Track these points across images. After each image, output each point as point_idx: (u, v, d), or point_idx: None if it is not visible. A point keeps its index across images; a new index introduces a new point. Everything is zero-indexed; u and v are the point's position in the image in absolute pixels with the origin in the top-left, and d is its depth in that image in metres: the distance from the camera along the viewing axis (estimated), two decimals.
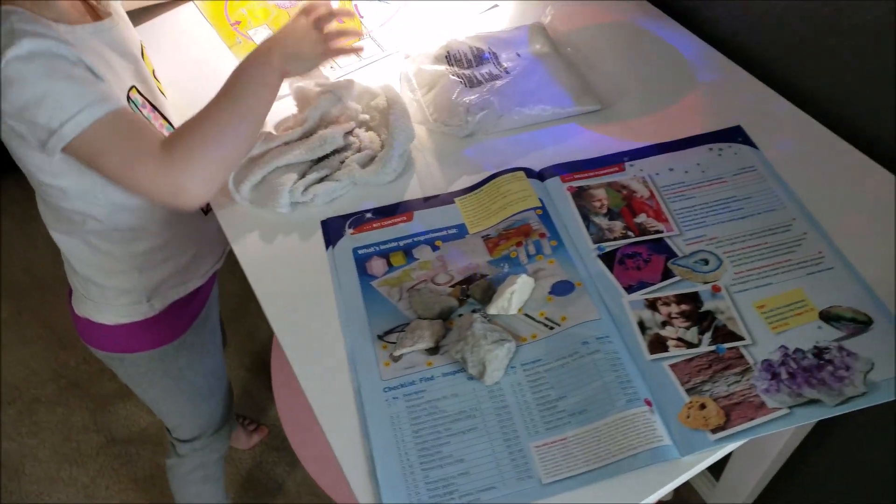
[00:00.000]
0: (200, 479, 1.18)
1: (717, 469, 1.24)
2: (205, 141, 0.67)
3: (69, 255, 0.88)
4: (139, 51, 0.83)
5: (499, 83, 0.83)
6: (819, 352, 0.64)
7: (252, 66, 0.73)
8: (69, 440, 1.60)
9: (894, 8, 0.71)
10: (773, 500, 1.14)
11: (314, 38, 0.76)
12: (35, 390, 1.69)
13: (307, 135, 0.80)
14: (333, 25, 0.78)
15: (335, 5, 0.98)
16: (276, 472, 1.53)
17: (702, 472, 1.34)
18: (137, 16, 1.00)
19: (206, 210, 0.90)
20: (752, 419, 0.60)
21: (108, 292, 0.88)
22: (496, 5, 0.99)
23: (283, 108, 0.86)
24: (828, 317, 0.66)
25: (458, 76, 0.85)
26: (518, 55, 0.87)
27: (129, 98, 0.77)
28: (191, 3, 1.04)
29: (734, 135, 0.81)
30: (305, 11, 0.77)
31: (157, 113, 0.83)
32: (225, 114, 0.69)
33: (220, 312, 1.14)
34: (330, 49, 0.77)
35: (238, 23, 1.01)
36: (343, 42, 0.79)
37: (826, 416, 0.60)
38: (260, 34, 0.99)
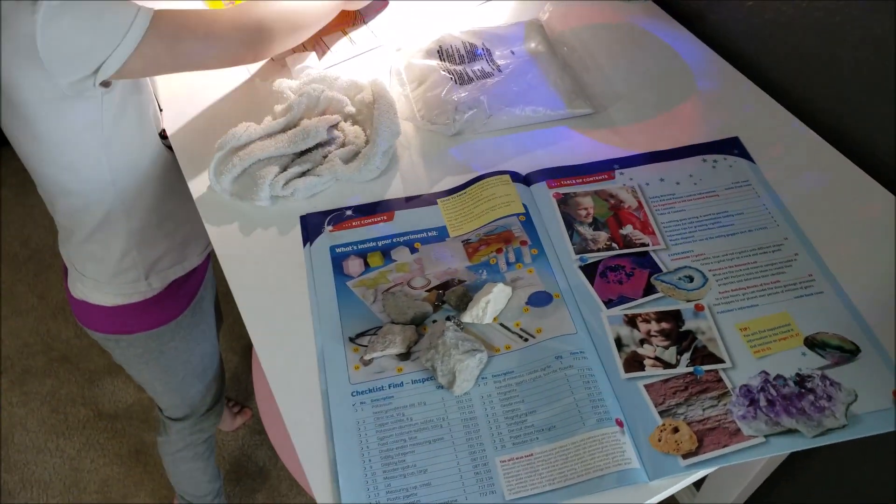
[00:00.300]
0: (191, 457, 1.20)
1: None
2: (280, 31, 0.76)
3: (69, 234, 0.87)
4: None
5: (490, 81, 0.81)
6: (801, 379, 0.62)
7: None
8: (57, 412, 1.61)
9: None
10: None
11: None
12: (27, 361, 1.69)
13: (290, 126, 0.78)
14: None
15: None
16: (258, 455, 1.53)
17: None
18: None
19: None
20: (725, 446, 0.58)
21: (108, 270, 0.88)
22: None
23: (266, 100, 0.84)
24: (813, 343, 0.64)
25: (448, 72, 0.82)
26: (512, 53, 0.85)
27: None
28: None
29: (731, 146, 0.79)
30: None
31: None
32: (298, 16, 0.78)
33: (216, 292, 1.14)
34: None
35: (231, 1, 0.98)
36: None
37: (803, 448, 0.59)
38: None
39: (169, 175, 0.86)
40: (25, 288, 1.83)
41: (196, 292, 1.00)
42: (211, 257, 1.04)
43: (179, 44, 0.70)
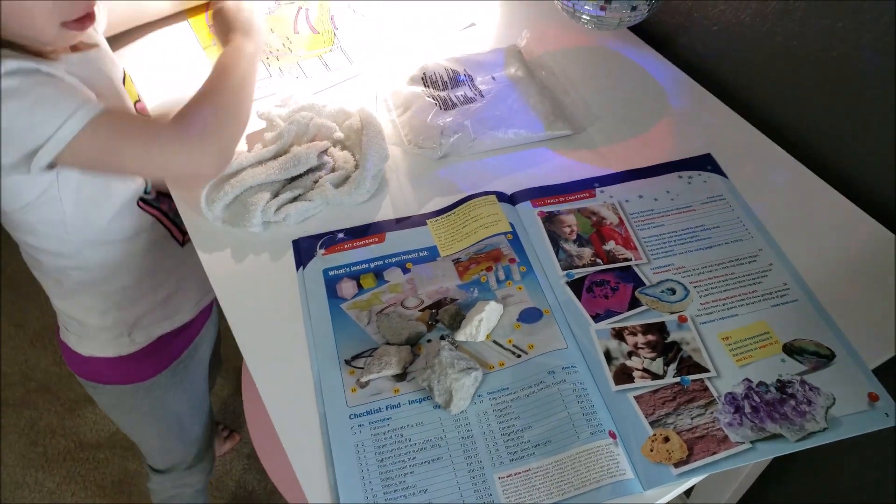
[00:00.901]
0: None
1: None
2: (217, 115, 0.69)
3: (48, 290, 0.86)
4: (121, 79, 0.82)
5: (473, 106, 0.83)
6: (782, 385, 0.65)
7: (243, 44, 0.76)
8: (36, 444, 1.58)
9: (858, 42, 0.72)
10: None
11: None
12: (3, 392, 1.66)
13: (281, 153, 0.80)
14: None
15: (313, 12, 0.98)
16: (248, 480, 1.52)
17: None
18: (124, 36, 0.97)
19: (183, 241, 0.89)
20: (714, 453, 0.61)
21: (88, 328, 0.87)
22: (473, 24, 0.99)
23: (256, 127, 0.85)
24: (791, 350, 0.67)
25: (433, 98, 0.85)
26: (493, 78, 0.87)
27: None
28: (183, 22, 1.01)
29: (704, 163, 0.82)
30: None
31: None
32: (229, 89, 0.72)
33: (217, 338, 1.10)
34: None
35: None
36: None
37: (787, 452, 0.61)
38: None
39: (149, 234, 0.84)
40: (2, 317, 1.80)
41: (184, 349, 0.97)
42: (214, 308, 1.02)
43: (117, 148, 0.67)
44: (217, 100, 0.71)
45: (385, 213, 0.79)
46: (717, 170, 0.81)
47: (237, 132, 0.73)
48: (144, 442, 1.05)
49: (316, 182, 0.79)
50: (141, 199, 0.82)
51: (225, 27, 0.80)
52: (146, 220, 0.83)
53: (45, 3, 0.64)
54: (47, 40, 0.68)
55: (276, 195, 0.78)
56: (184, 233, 0.88)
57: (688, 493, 1.22)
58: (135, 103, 0.85)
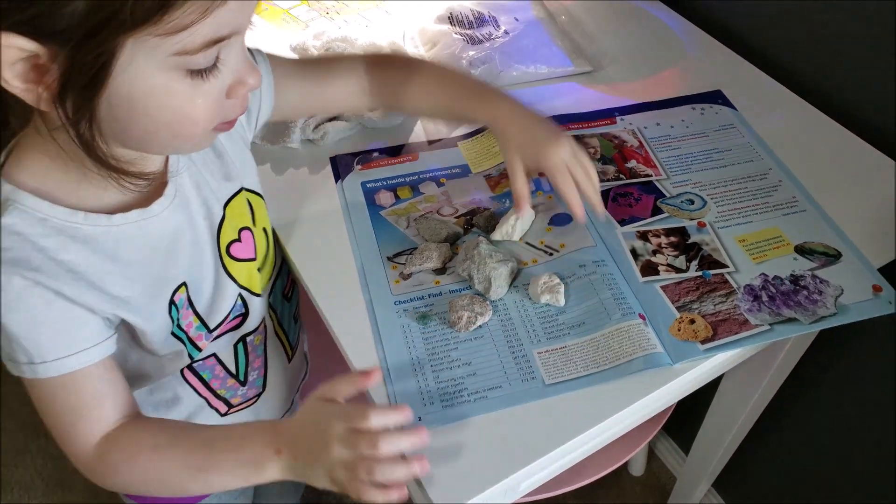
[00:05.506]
0: None
1: (686, 442, 1.29)
2: (144, 479, 0.55)
3: None
4: (218, 216, 0.60)
5: (499, 41, 0.89)
6: (795, 279, 0.70)
7: (252, 442, 0.53)
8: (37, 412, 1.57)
9: None
10: (741, 470, 1.19)
11: (347, 461, 0.50)
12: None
13: None
14: (398, 445, 0.51)
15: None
16: None
17: (672, 447, 1.40)
18: None
19: (226, 411, 0.72)
20: (737, 333, 0.65)
21: None
22: None
23: None
24: (802, 250, 0.72)
25: (460, 35, 0.90)
26: (516, 20, 0.93)
27: (171, 302, 0.57)
28: None
29: (715, 97, 0.88)
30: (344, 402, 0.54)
31: (197, 318, 0.61)
32: (183, 471, 0.54)
33: None
34: (368, 489, 0.50)
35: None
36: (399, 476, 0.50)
37: (802, 332, 0.66)
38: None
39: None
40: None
41: None
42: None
43: (39, 408, 0.53)
44: (157, 470, 0.54)
45: (417, 136, 0.83)
46: (727, 104, 0.87)
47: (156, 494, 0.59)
48: None
49: None
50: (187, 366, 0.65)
51: None
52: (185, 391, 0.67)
53: (211, 101, 0.47)
54: (192, 148, 0.55)
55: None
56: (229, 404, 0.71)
57: (686, 451, 1.26)
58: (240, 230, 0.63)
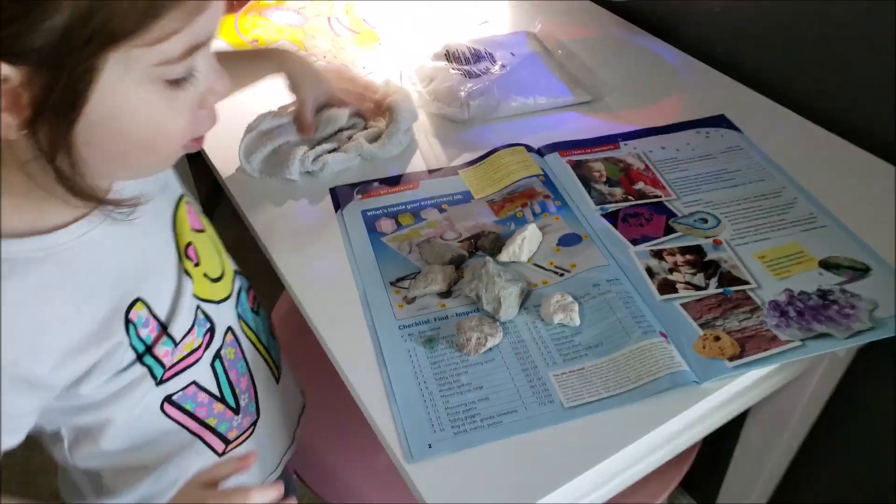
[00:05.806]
0: None
1: (708, 499, 1.21)
2: None
3: None
4: (169, 224, 0.57)
5: (496, 74, 0.88)
6: (823, 294, 0.66)
7: None
8: None
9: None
10: None
11: None
12: None
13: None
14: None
15: (343, 18, 1.03)
16: None
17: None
18: None
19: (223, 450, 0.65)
20: (766, 349, 0.61)
21: None
22: (486, 21, 1.06)
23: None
24: (827, 265, 0.68)
25: (457, 70, 0.89)
26: (512, 54, 0.93)
27: (127, 319, 0.52)
28: None
29: (719, 121, 0.87)
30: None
31: (163, 333, 0.55)
32: None
33: None
34: None
35: (255, 41, 1.04)
36: None
37: (837, 348, 0.62)
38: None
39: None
40: None
41: None
42: None
43: None
44: None
45: (416, 166, 0.81)
46: (731, 126, 0.86)
47: None
48: None
49: (350, 138, 0.82)
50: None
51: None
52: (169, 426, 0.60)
53: (187, 112, 0.46)
54: (156, 169, 0.53)
55: (312, 148, 0.80)
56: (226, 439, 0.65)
57: (714, 494, 1.18)
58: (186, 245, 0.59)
